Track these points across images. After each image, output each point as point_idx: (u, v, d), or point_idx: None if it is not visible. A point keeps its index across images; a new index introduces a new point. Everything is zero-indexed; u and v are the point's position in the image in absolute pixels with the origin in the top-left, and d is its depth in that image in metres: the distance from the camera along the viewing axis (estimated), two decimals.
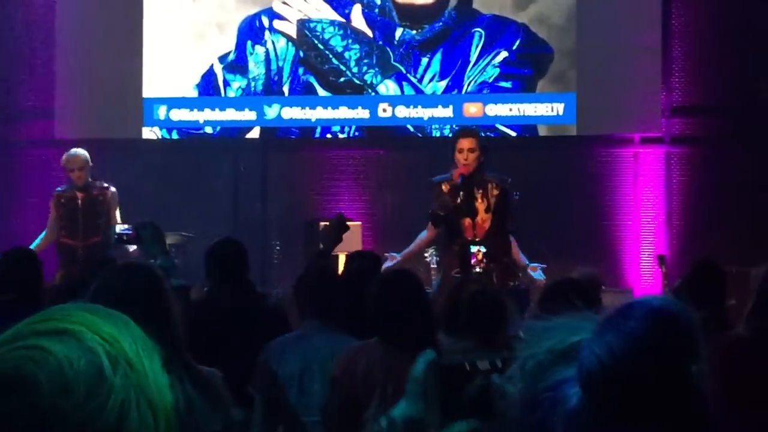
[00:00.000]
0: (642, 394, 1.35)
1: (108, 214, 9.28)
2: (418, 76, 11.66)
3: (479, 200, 8.10)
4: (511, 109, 11.56)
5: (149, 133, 11.87)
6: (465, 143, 8.12)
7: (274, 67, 11.79)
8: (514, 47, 11.60)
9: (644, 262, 11.22)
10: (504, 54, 11.60)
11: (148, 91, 11.81)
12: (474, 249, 7.75)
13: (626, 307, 1.40)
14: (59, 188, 9.51)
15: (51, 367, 1.14)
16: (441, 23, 11.68)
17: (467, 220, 8.03)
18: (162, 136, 11.90)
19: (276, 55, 11.80)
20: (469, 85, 11.62)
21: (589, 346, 1.37)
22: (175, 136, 11.93)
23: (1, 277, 5.81)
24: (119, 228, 8.19)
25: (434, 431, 3.43)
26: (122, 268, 3.81)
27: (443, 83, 11.65)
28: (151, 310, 3.24)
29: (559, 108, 11.50)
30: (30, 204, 11.53)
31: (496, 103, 11.58)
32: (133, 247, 7.92)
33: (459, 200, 8.04)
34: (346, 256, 6.96)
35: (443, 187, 8.16)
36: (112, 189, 9.41)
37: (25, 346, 1.17)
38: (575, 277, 6.25)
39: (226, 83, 11.82)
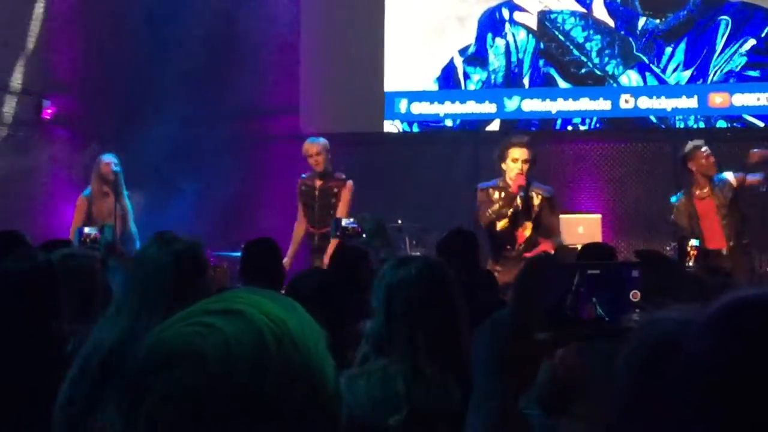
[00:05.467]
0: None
1: (336, 205, 9.39)
2: (662, 66, 11.42)
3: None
4: (759, 99, 11.19)
5: (390, 126, 12.04)
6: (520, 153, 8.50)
7: (514, 59, 11.78)
8: (763, 35, 11.22)
9: None
10: (752, 42, 11.24)
11: (390, 85, 11.98)
12: None
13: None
14: (303, 175, 9.75)
15: (218, 343, 1.22)
16: (685, 11, 11.41)
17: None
18: (403, 129, 12.06)
19: (516, 47, 11.78)
20: (714, 74, 11.30)
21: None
22: (415, 129, 12.07)
23: (246, 265, 6.02)
24: (345, 221, 8.35)
25: None
26: None
27: (687, 73, 11.37)
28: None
29: None
30: (277, 196, 11.87)
31: (743, 93, 11.22)
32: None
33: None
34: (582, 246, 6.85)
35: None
36: (349, 182, 9.53)
37: (196, 323, 1.24)
38: None
39: (467, 76, 11.87)
